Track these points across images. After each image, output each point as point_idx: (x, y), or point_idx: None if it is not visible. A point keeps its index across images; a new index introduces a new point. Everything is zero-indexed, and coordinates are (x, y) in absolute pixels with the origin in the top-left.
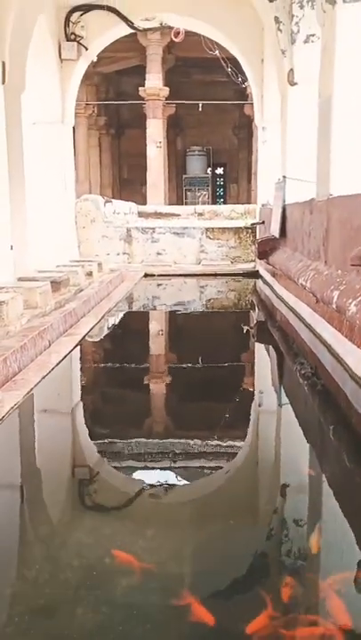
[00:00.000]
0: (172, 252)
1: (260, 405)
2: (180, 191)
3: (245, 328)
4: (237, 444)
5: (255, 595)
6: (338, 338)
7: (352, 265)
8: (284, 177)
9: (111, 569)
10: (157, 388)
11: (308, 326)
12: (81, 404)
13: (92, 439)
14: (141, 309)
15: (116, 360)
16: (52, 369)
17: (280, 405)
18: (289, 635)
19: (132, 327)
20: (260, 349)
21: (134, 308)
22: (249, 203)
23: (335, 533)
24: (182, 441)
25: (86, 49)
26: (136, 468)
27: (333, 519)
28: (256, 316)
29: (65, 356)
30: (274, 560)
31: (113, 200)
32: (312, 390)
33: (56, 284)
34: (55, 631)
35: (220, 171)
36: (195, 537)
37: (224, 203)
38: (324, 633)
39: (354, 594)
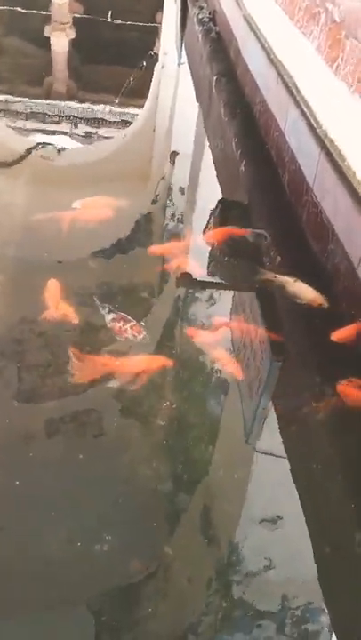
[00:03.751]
0: None
1: (162, 67)
2: None
3: None
4: (137, 110)
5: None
6: None
7: None
8: None
9: None
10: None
11: None
12: None
13: None
14: None
15: None
16: None
17: (179, 65)
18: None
19: None
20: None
21: None
22: None
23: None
24: (84, 106)
25: None
26: (31, 130)
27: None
28: None
29: None
30: (158, 225)
31: None
32: (206, 37)
33: None
34: None
35: None
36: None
37: None
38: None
39: None
